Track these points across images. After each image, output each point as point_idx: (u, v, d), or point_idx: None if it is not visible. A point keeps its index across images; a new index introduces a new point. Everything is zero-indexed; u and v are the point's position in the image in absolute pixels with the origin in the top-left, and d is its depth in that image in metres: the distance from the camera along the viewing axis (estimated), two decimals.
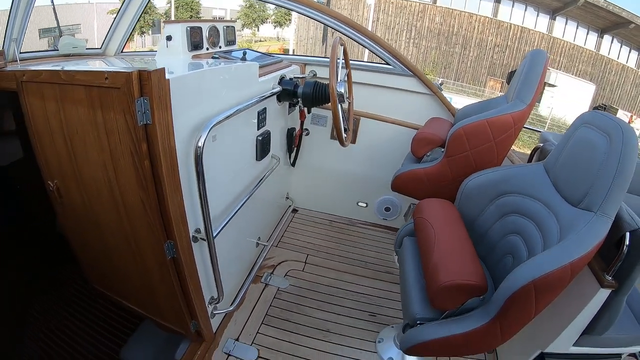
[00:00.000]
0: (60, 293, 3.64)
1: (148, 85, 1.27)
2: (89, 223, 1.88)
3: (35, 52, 2.42)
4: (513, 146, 2.32)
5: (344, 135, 2.28)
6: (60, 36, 2.56)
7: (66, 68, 1.55)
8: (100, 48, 2.88)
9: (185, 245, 1.67)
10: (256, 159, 2.34)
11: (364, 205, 3.29)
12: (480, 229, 1.90)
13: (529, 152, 2.62)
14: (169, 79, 1.33)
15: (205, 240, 1.72)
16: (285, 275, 2.71)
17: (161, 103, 1.32)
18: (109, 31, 2.84)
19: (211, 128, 1.55)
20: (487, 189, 1.85)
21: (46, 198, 2.02)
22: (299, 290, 2.57)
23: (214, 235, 1.74)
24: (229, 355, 2.11)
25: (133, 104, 1.29)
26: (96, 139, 1.48)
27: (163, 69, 1.30)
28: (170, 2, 25.41)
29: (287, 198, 3.43)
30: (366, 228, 3.30)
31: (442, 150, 2.34)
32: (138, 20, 2.87)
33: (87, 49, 2.71)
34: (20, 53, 2.11)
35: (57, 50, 2.50)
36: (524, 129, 2.34)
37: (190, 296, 1.82)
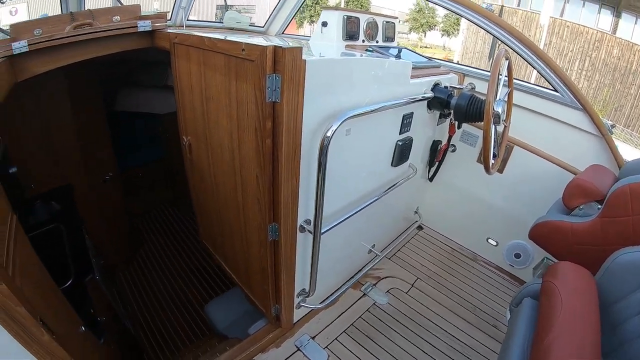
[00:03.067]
0: (175, 230, 4.12)
1: (282, 62, 1.14)
2: (209, 184, 1.88)
3: (201, 21, 2.54)
4: None
5: (492, 161, 1.89)
6: (227, 10, 2.65)
7: (210, 35, 1.53)
8: (263, 27, 2.89)
9: (289, 232, 1.54)
10: (391, 164, 2.10)
11: (494, 243, 2.75)
12: (616, 317, 1.38)
13: None
14: (305, 60, 1.18)
15: (311, 233, 1.56)
16: (387, 291, 2.42)
17: (293, 83, 1.18)
18: (272, 11, 2.82)
19: (345, 120, 1.36)
20: None
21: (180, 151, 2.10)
22: (395, 312, 2.28)
23: (323, 231, 1.57)
24: (298, 349, 1.96)
25: (264, 79, 1.17)
26: (227, 107, 1.42)
27: (300, 48, 1.16)
28: None
29: (416, 212, 3.05)
30: (488, 269, 2.77)
31: (599, 207, 1.80)
32: (303, 2, 2.81)
33: (250, 25, 2.74)
34: (188, 20, 2.21)
35: (222, 22, 2.59)
36: None
37: (281, 282, 1.71)
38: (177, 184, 3.99)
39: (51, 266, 2.16)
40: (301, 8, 2.84)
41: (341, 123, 1.34)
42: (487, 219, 2.71)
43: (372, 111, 1.53)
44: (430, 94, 2.03)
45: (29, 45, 1.63)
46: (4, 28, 1.71)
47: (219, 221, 1.98)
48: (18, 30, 1.66)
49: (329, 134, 1.32)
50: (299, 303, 1.93)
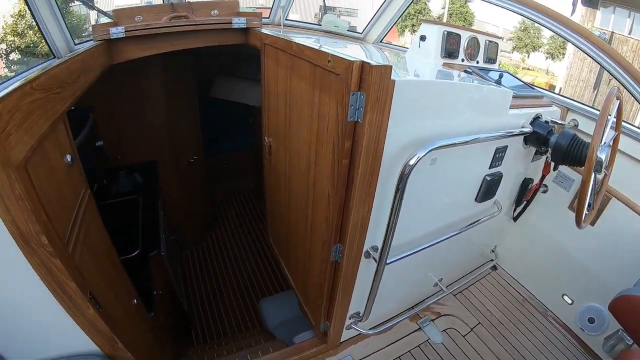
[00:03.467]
0: (250, 221, 4.21)
1: (368, 81, 1.03)
2: (283, 189, 1.85)
3: (300, 22, 2.51)
4: None
5: (585, 212, 1.62)
6: (325, 13, 2.59)
7: (296, 40, 1.45)
8: (361, 33, 2.78)
9: (353, 256, 1.45)
10: (475, 200, 1.91)
11: (569, 301, 2.39)
12: None
13: None
14: (394, 80, 1.06)
15: (376, 262, 1.45)
16: (444, 330, 2.23)
17: (378, 103, 1.07)
18: (372, 17, 2.69)
19: (432, 150, 1.23)
20: None
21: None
22: (446, 354, 2.09)
23: (389, 261, 1.45)
24: None
25: (347, 95, 1.08)
26: (309, 117, 1.35)
27: (389, 67, 1.04)
28: (445, 7, 25.01)
29: (493, 251, 2.78)
30: (556, 328, 2.42)
31: None
32: (405, 10, 2.65)
33: (348, 30, 2.66)
34: (286, 20, 2.18)
35: (320, 25, 2.54)
36: None
37: (335, 302, 1.63)
38: (261, 177, 4.07)
39: (121, 235, 2.30)
40: (402, 16, 2.69)
41: (427, 152, 1.22)
42: (567, 273, 2.36)
43: (463, 143, 1.38)
44: (528, 128, 1.78)
45: (125, 31, 1.72)
46: (109, 12, 1.81)
47: (287, 227, 1.95)
48: (121, 15, 1.75)
49: (412, 162, 1.20)
50: (349, 324, 1.84)
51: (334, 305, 1.66)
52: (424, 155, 1.21)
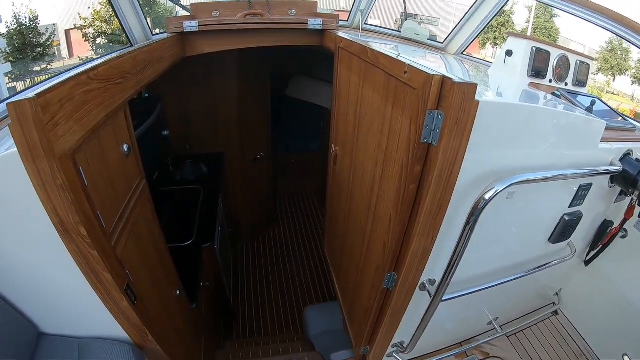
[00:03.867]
0: (310, 222, 4.17)
1: (448, 99, 0.89)
2: (344, 203, 1.77)
3: (379, 27, 2.41)
4: None
5: None
6: (405, 20, 2.47)
7: (374, 47, 1.32)
8: (442, 42, 2.62)
9: (407, 287, 1.32)
10: (548, 239, 1.69)
11: None
12: None
13: None
14: (478, 101, 0.91)
15: (431, 296, 1.32)
16: None
17: (458, 126, 0.92)
18: (455, 28, 2.52)
19: (512, 184, 1.08)
20: None
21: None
22: None
23: (445, 298, 1.32)
24: None
25: (423, 114, 0.95)
26: (378, 132, 1.24)
27: (474, 86, 0.88)
28: (529, 21, 23.39)
29: (556, 294, 2.48)
30: None
31: None
32: (489, 22, 2.44)
33: (429, 39, 2.51)
34: (365, 24, 2.09)
35: (400, 32, 2.42)
36: None
37: (380, 329, 1.51)
38: (325, 182, 4.03)
39: (177, 223, 2.35)
40: (485, 28, 2.49)
41: (506, 187, 1.06)
42: (633, 332, 2.01)
43: (546, 178, 1.20)
44: (618, 167, 1.53)
45: (199, 25, 1.73)
46: (188, 6, 1.84)
47: (343, 243, 1.87)
48: (198, 9, 1.77)
49: (487, 195, 1.06)
50: (391, 352, 1.71)
51: (378, 333, 1.54)
52: (502, 190, 1.06)
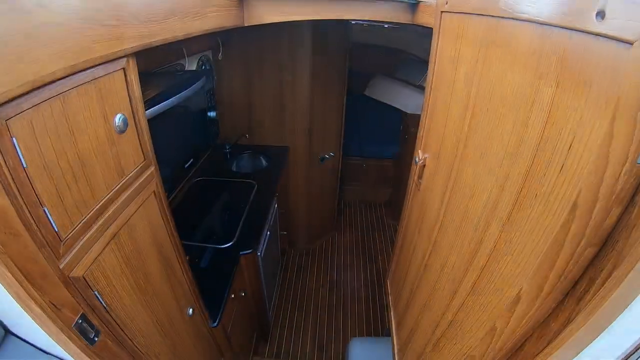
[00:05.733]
0: (374, 237, 3.62)
1: None
2: (426, 233, 1.17)
3: None
4: None
5: None
6: None
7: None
8: None
9: None
10: None
11: None
12: None
13: None
14: None
15: None
16: None
17: None
18: None
19: None
20: None
21: None
22: None
23: None
24: None
25: None
26: (515, 133, 0.66)
27: None
28: None
29: None
30: None
31: None
32: None
33: None
34: None
35: None
36: None
37: None
38: (399, 191, 3.50)
39: (218, 220, 1.98)
40: None
41: None
42: None
43: None
44: None
45: None
46: None
47: (414, 285, 1.29)
48: None
49: None
50: None
51: None
52: None
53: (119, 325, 0.84)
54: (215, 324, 1.45)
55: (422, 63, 4.69)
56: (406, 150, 3.22)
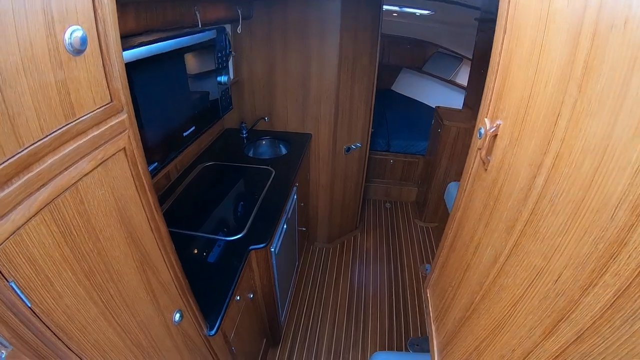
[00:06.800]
0: (401, 239, 3.30)
1: None
2: (498, 228, 0.84)
3: None
4: None
5: None
6: None
7: None
8: None
9: None
10: None
11: None
12: None
13: None
14: None
15: None
16: None
17: None
18: None
19: None
20: None
21: None
22: None
23: None
24: None
25: None
26: None
27: None
28: None
29: None
30: None
31: None
32: None
33: None
34: None
35: None
36: None
37: None
38: (429, 189, 3.18)
39: (228, 209, 1.72)
40: None
41: None
42: None
43: None
44: None
45: None
46: None
47: (470, 305, 0.92)
48: None
49: None
50: None
51: None
52: None
53: (56, 335, 0.57)
54: (213, 331, 1.18)
55: (452, 57, 4.37)
56: (437, 145, 2.91)
